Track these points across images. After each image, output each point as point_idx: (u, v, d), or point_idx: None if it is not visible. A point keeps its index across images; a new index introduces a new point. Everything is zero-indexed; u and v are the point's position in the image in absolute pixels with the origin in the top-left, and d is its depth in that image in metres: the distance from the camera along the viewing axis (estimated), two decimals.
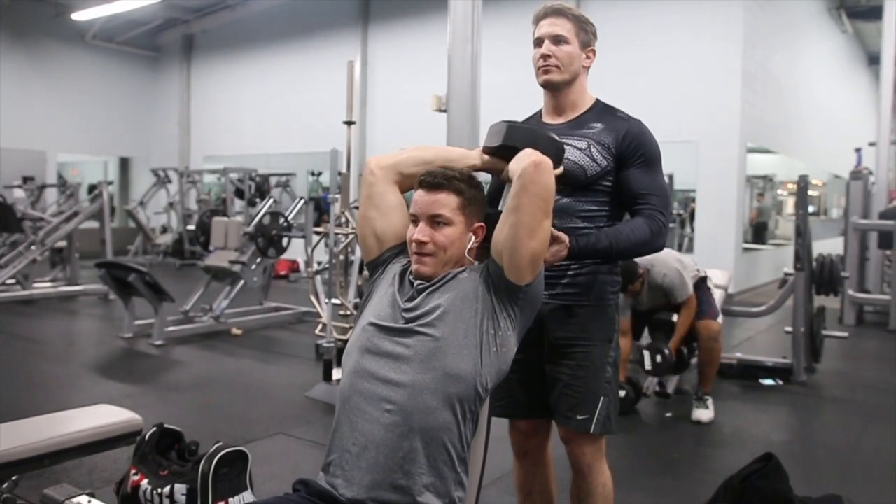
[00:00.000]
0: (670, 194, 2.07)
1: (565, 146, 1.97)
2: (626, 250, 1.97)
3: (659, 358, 4.16)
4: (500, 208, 1.79)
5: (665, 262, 4.18)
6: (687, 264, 4.31)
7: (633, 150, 1.99)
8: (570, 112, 2.08)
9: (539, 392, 2.11)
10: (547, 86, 2.07)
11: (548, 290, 2.00)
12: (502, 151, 1.79)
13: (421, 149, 1.86)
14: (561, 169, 1.83)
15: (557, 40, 2.02)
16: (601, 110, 2.08)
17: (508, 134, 1.77)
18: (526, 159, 1.65)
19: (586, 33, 2.06)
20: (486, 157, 1.84)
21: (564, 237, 1.89)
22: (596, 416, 2.00)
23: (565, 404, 2.03)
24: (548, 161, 1.66)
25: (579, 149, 1.99)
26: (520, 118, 2.21)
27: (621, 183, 2.00)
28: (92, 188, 12.31)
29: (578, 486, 2.10)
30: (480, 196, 1.76)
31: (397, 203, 1.81)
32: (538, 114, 2.18)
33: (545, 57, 2.02)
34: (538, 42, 2.05)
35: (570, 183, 1.97)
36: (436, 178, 1.71)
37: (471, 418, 1.61)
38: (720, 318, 4.47)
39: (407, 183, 1.82)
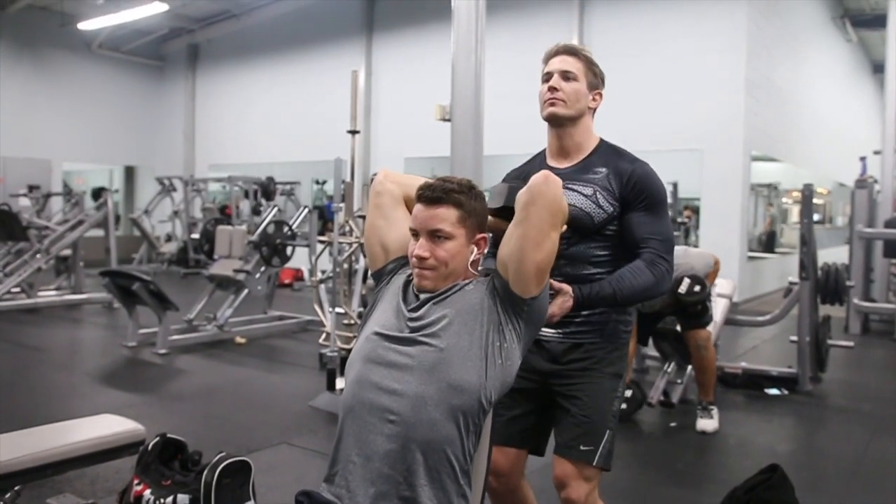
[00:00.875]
0: (673, 238, 2.06)
1: (571, 192, 1.96)
2: (631, 296, 1.96)
3: (697, 287, 4.13)
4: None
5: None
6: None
7: (636, 193, 1.98)
8: (575, 155, 2.08)
9: (532, 422, 2.11)
10: (551, 120, 2.07)
11: (561, 329, 2.01)
12: (504, 213, 1.78)
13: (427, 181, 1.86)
14: (564, 227, 1.80)
15: (566, 76, 2.03)
16: (606, 152, 2.08)
17: (510, 195, 1.76)
18: (539, 174, 1.64)
19: (595, 76, 2.08)
20: (490, 218, 1.82)
21: (568, 288, 1.90)
22: (600, 448, 1.98)
23: (570, 434, 2.00)
24: (556, 178, 1.65)
25: (585, 195, 1.99)
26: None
27: (624, 226, 2.00)
28: (96, 193, 12.38)
29: None
30: (481, 207, 1.74)
31: (404, 217, 1.80)
32: (542, 154, 2.17)
33: (552, 90, 2.03)
34: (547, 77, 2.06)
35: (577, 230, 1.97)
36: (434, 192, 1.68)
37: (474, 431, 1.60)
38: (712, 326, 4.44)
39: (413, 205, 1.80)
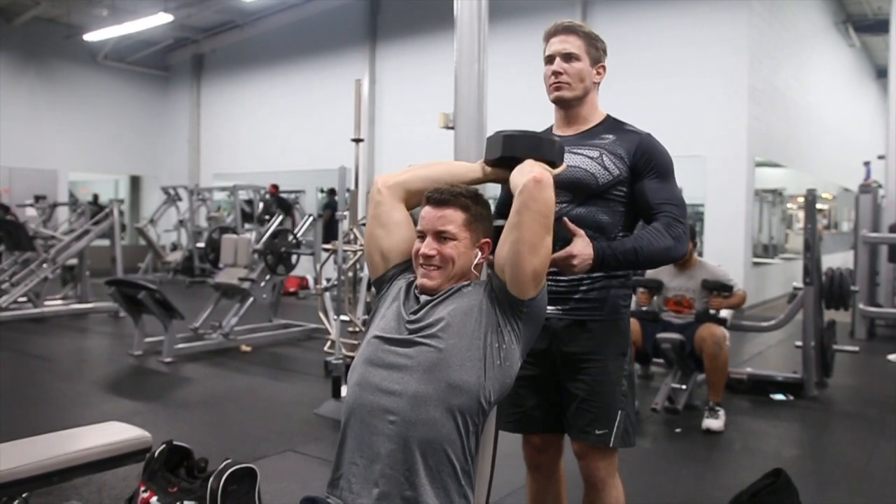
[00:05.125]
0: (685, 203, 2.06)
1: (576, 155, 1.99)
2: (650, 256, 1.95)
3: (727, 292, 4.54)
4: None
5: (715, 267, 4.67)
6: None
7: (645, 161, 2.01)
8: (582, 125, 2.11)
9: (551, 407, 2.11)
10: (558, 102, 2.10)
11: (560, 306, 2.02)
12: (504, 162, 1.82)
13: (426, 165, 1.89)
14: (564, 166, 1.86)
15: (568, 58, 2.05)
16: (611, 124, 2.10)
17: (506, 144, 1.80)
18: (527, 175, 1.66)
19: (596, 50, 2.09)
20: (488, 168, 1.87)
21: (582, 232, 1.91)
22: (614, 430, 2.01)
23: (583, 420, 2.03)
24: (548, 177, 1.68)
25: (591, 157, 2.01)
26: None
27: (636, 195, 2.01)
28: (97, 205, 12.42)
29: (591, 501, 2.10)
30: (486, 213, 1.79)
31: (403, 220, 1.83)
32: (549, 129, 2.20)
33: (556, 74, 2.05)
34: (549, 59, 2.08)
35: (581, 192, 1.98)
36: (443, 195, 1.74)
37: (474, 431, 1.62)
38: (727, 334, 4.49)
39: (413, 200, 1.84)
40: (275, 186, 11.59)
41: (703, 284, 4.51)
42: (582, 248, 1.88)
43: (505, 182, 1.83)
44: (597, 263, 1.90)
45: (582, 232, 1.91)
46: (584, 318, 2.03)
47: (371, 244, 1.87)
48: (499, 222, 1.85)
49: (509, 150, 1.79)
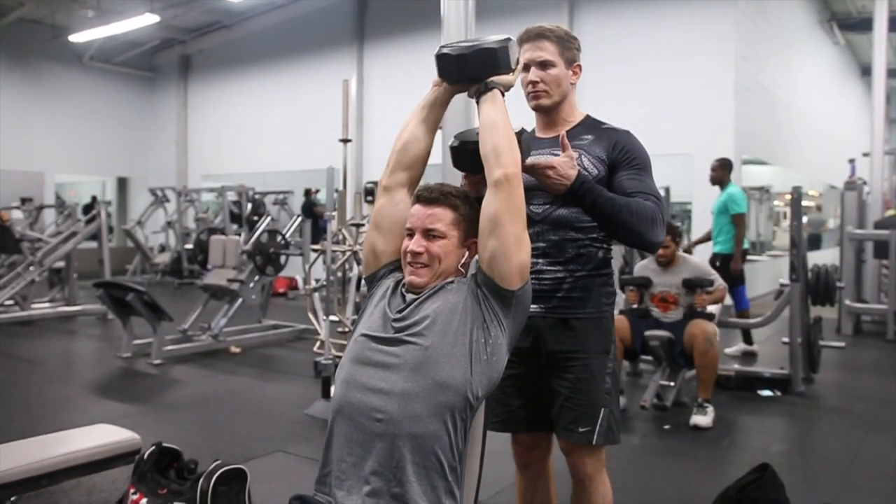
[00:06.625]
0: (662, 199, 2.06)
1: (553, 156, 2.00)
2: (625, 216, 1.90)
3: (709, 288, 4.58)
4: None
5: (697, 262, 4.80)
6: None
7: (623, 155, 2.02)
8: (562, 126, 2.11)
9: (538, 406, 2.12)
10: (538, 109, 2.13)
11: (543, 304, 2.03)
12: (462, 82, 1.84)
13: (401, 130, 1.90)
14: (522, 63, 1.91)
15: (543, 65, 2.05)
16: (591, 124, 2.12)
17: (460, 66, 1.80)
18: (503, 167, 1.67)
19: (570, 50, 2.08)
20: (444, 86, 1.87)
21: (573, 154, 1.91)
22: (597, 427, 2.02)
23: (566, 417, 2.04)
24: (519, 171, 1.70)
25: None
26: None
27: (615, 188, 2.00)
28: (88, 207, 12.36)
29: (579, 497, 2.11)
30: (475, 214, 1.79)
31: (400, 219, 1.83)
32: (532, 131, 2.21)
33: (533, 83, 2.06)
34: (525, 67, 2.08)
35: (562, 193, 1.99)
36: (432, 193, 1.76)
37: (462, 428, 1.63)
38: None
39: (416, 171, 1.87)
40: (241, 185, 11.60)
41: (684, 284, 4.54)
42: (564, 163, 1.88)
43: (462, 91, 1.87)
44: (573, 188, 1.88)
45: (573, 154, 1.92)
46: (568, 316, 2.04)
47: (367, 243, 1.90)
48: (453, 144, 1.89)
49: (466, 72, 1.80)
